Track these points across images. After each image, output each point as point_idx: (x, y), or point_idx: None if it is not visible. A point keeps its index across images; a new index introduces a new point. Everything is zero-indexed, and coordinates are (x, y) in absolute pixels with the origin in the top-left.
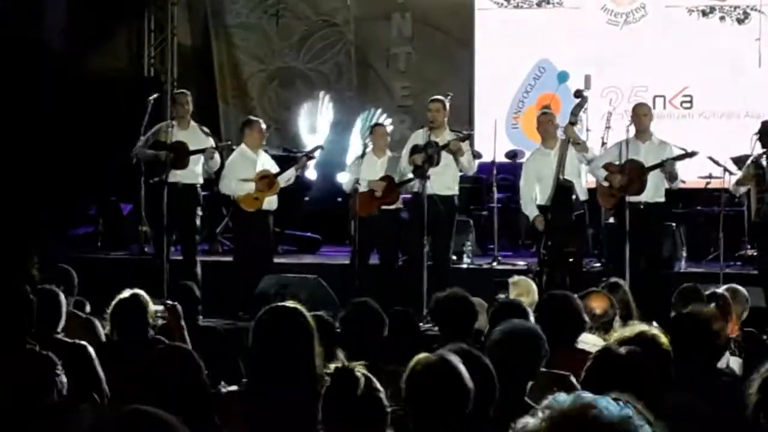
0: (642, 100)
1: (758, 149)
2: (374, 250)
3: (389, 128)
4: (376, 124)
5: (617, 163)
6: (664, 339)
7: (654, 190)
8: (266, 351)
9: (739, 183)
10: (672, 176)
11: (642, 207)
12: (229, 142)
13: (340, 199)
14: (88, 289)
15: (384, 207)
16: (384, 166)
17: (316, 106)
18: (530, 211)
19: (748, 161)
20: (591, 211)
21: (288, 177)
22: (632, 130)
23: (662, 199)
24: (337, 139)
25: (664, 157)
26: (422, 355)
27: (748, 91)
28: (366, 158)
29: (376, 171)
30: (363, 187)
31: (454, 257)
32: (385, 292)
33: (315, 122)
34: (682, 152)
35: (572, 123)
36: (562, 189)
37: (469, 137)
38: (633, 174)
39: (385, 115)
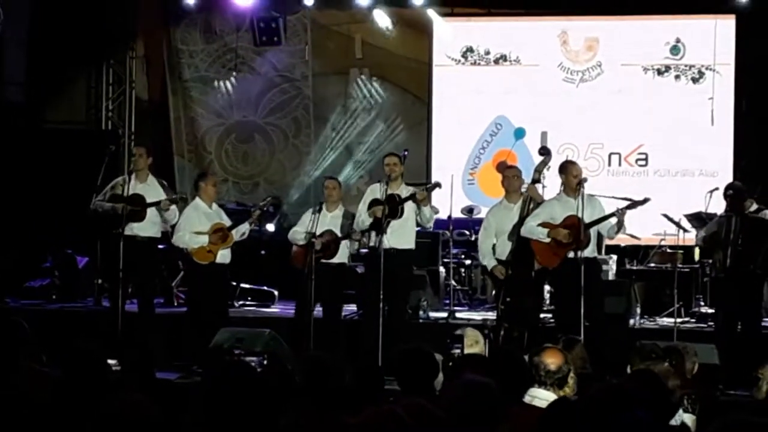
0: (597, 158)
1: (713, 208)
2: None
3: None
4: (327, 177)
5: (551, 220)
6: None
7: (593, 246)
8: (218, 409)
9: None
10: (621, 224)
11: (581, 262)
12: (185, 196)
13: None
14: (43, 341)
15: (324, 260)
16: (334, 221)
17: None
18: (488, 261)
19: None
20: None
21: (242, 231)
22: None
23: (598, 254)
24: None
25: (596, 211)
26: (370, 408)
27: (702, 149)
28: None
29: (325, 225)
30: (302, 241)
31: (410, 311)
32: (335, 345)
33: None
34: (630, 202)
35: (535, 180)
36: (523, 244)
37: (438, 186)
38: (577, 229)
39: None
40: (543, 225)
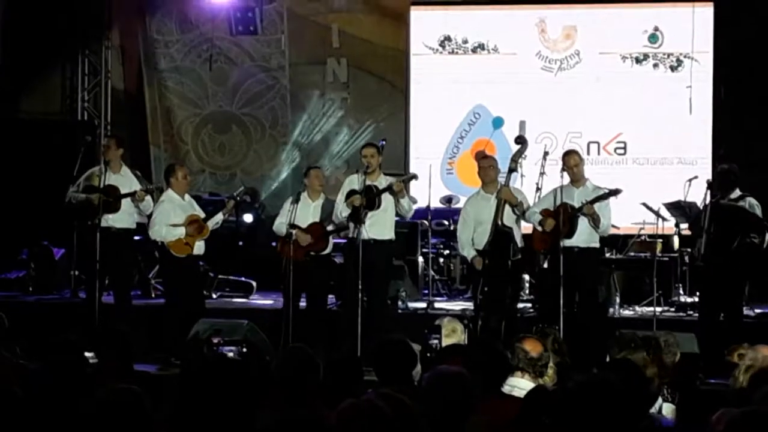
0: (575, 147)
1: (692, 196)
2: (303, 295)
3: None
4: (311, 167)
5: (552, 208)
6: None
7: (588, 235)
8: (198, 402)
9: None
10: (594, 220)
11: (576, 251)
12: (161, 186)
13: (274, 244)
14: (19, 333)
15: (313, 252)
16: (318, 210)
17: None
18: (467, 251)
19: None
20: (527, 257)
21: (216, 220)
22: (566, 176)
23: (597, 245)
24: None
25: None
26: (349, 401)
27: (680, 137)
28: (300, 202)
29: (309, 215)
30: (292, 235)
31: (389, 302)
32: (316, 336)
33: None
34: (599, 195)
35: (512, 169)
36: (501, 235)
37: (415, 178)
38: (563, 217)
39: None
40: (542, 212)
